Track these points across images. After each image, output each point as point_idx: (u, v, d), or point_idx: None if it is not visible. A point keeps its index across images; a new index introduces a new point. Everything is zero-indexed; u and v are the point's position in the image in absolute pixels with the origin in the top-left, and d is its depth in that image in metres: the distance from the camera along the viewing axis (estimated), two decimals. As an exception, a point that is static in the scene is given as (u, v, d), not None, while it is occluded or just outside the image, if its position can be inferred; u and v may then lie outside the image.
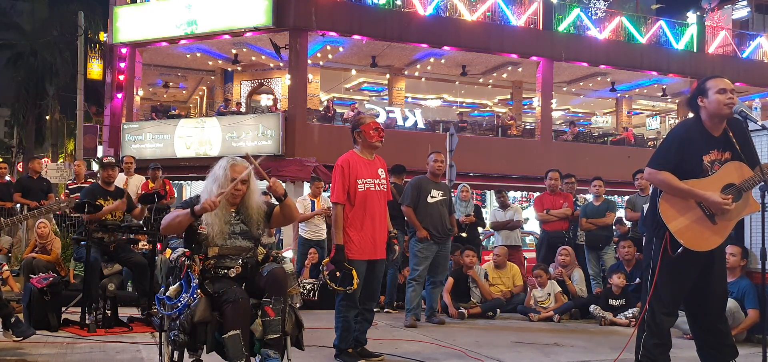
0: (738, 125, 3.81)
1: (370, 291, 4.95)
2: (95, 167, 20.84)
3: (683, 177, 3.68)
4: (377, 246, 4.84)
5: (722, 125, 3.78)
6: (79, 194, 7.51)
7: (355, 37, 18.36)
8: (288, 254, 10.02)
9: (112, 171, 6.87)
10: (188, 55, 20.18)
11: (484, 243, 11.49)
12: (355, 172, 4.81)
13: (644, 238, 4.22)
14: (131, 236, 6.76)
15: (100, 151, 20.86)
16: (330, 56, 19.99)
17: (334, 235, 4.83)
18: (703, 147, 3.73)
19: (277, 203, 3.95)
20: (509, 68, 21.46)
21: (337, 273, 4.65)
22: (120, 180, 9.62)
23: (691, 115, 3.90)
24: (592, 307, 7.55)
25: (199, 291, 3.54)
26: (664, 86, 23.33)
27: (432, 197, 6.95)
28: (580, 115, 27.26)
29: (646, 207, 6.80)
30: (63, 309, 6.29)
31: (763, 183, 3.73)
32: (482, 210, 10.39)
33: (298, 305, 3.75)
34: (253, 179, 3.88)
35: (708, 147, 3.73)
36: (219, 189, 3.74)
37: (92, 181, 7.42)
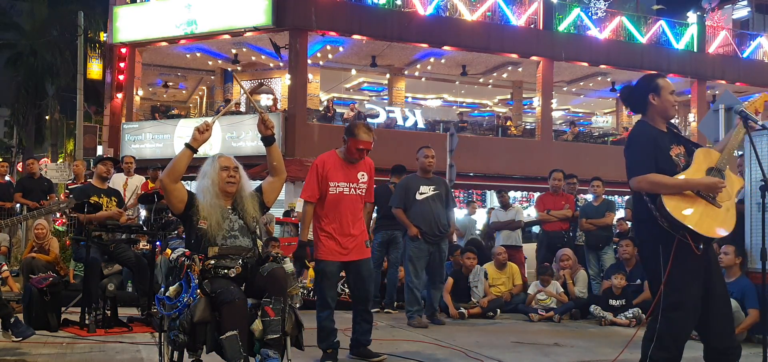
0: (670, 123, 3.85)
1: (360, 293, 4.95)
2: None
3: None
4: (349, 249, 4.82)
5: (665, 122, 3.81)
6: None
7: (355, 37, 18.36)
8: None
9: (112, 165, 6.86)
10: (188, 55, 20.19)
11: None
12: (330, 174, 4.82)
13: (641, 252, 4.02)
14: (131, 236, 6.76)
15: (99, 151, 20.86)
16: (330, 56, 19.99)
17: (301, 232, 4.90)
18: (666, 144, 3.71)
19: (264, 147, 3.99)
20: (509, 68, 21.46)
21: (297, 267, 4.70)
22: (120, 180, 9.63)
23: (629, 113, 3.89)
24: (592, 307, 7.54)
25: (198, 291, 3.54)
26: (664, 86, 23.29)
27: (421, 193, 6.81)
28: (580, 115, 27.26)
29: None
30: (63, 309, 6.29)
31: (762, 180, 3.71)
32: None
33: (298, 305, 3.75)
34: (243, 171, 3.96)
35: (669, 142, 3.72)
36: (209, 180, 3.83)
37: (90, 181, 7.41)
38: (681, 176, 3.60)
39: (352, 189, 4.88)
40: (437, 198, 6.85)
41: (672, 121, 3.86)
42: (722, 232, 3.61)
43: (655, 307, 3.64)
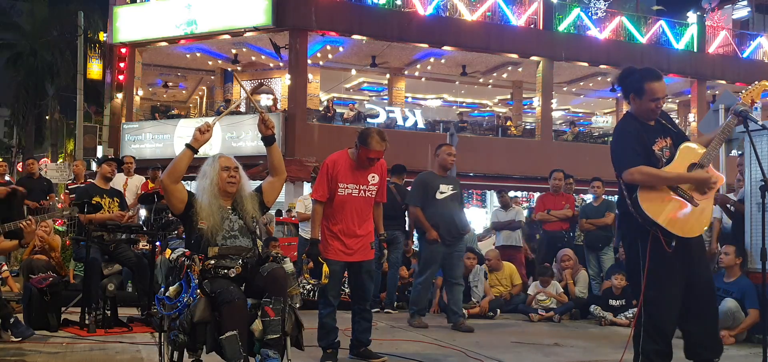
0: (662, 113, 3.85)
1: (359, 292, 4.96)
2: (95, 167, 20.85)
3: None
4: (353, 250, 4.83)
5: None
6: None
7: (355, 37, 18.36)
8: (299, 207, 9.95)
9: (116, 166, 6.87)
10: (188, 55, 20.19)
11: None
12: (340, 175, 4.81)
13: (624, 246, 4.04)
14: (131, 236, 6.76)
15: (100, 151, 20.87)
16: (330, 56, 19.99)
17: (311, 230, 4.87)
18: (650, 139, 3.71)
19: (265, 146, 4.01)
20: (509, 68, 21.46)
21: (311, 265, 4.73)
22: (120, 180, 9.63)
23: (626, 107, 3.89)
24: (592, 307, 7.54)
25: (198, 291, 3.54)
26: (664, 86, 23.29)
27: (441, 193, 6.50)
28: (580, 115, 27.26)
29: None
30: (63, 309, 6.29)
31: (762, 180, 3.71)
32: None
33: (298, 305, 3.75)
34: (243, 171, 3.97)
35: (653, 137, 3.72)
36: (209, 180, 3.84)
37: (92, 181, 7.42)
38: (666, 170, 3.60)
39: (362, 191, 4.87)
40: (455, 198, 6.59)
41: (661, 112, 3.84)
42: (694, 233, 3.60)
43: (639, 308, 3.66)
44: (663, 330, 3.63)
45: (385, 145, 4.82)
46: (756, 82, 3.94)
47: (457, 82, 22.69)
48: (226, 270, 3.66)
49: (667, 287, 3.61)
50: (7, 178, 11.03)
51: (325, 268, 4.67)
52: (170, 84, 23.52)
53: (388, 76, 21.44)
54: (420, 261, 6.75)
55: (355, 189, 4.84)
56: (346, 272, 5.03)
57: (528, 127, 22.21)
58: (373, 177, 4.92)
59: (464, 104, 24.68)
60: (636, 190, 3.59)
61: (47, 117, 31.31)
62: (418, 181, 6.74)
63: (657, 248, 3.56)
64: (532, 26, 20.41)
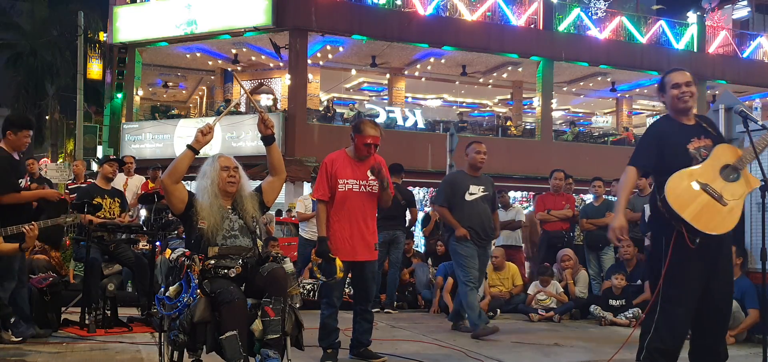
0: (704, 117, 3.89)
1: (362, 292, 4.96)
2: (95, 167, 20.87)
3: (675, 169, 3.62)
4: (357, 248, 4.82)
5: (691, 115, 3.83)
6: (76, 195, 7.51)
7: (355, 37, 18.36)
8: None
9: (118, 167, 6.87)
10: (188, 55, 20.19)
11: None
12: (339, 172, 4.83)
13: (648, 239, 4.10)
14: (131, 236, 6.76)
15: (100, 151, 20.88)
16: (330, 56, 19.99)
17: (318, 230, 4.86)
18: (684, 137, 3.72)
19: (264, 146, 4.02)
20: (509, 68, 21.47)
21: (321, 263, 4.70)
22: (120, 180, 9.63)
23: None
24: (592, 307, 7.55)
25: (198, 291, 3.54)
26: (664, 86, 23.28)
27: (471, 194, 6.19)
28: (580, 115, 27.26)
29: (646, 208, 6.75)
30: (63, 309, 6.29)
31: (762, 180, 3.71)
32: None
33: (298, 305, 3.75)
34: (243, 171, 3.97)
35: (688, 136, 3.73)
36: (209, 180, 3.85)
37: (92, 181, 7.41)
38: (687, 172, 3.60)
39: (362, 186, 4.87)
40: (486, 199, 6.27)
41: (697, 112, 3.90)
42: (719, 230, 3.57)
43: (653, 303, 3.66)
44: (677, 330, 3.61)
45: (379, 130, 4.87)
46: None
47: (457, 82, 22.70)
48: (226, 270, 3.66)
49: (686, 287, 3.59)
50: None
51: (339, 262, 4.65)
52: (170, 84, 23.53)
53: (388, 76, 21.44)
54: (457, 263, 6.31)
55: (356, 184, 4.85)
56: (349, 272, 5.03)
57: (528, 127, 22.21)
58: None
59: (464, 104, 24.68)
60: (665, 185, 3.61)
61: (47, 117, 31.27)
62: (446, 180, 6.58)
63: (681, 246, 3.55)
64: (532, 26, 20.42)
